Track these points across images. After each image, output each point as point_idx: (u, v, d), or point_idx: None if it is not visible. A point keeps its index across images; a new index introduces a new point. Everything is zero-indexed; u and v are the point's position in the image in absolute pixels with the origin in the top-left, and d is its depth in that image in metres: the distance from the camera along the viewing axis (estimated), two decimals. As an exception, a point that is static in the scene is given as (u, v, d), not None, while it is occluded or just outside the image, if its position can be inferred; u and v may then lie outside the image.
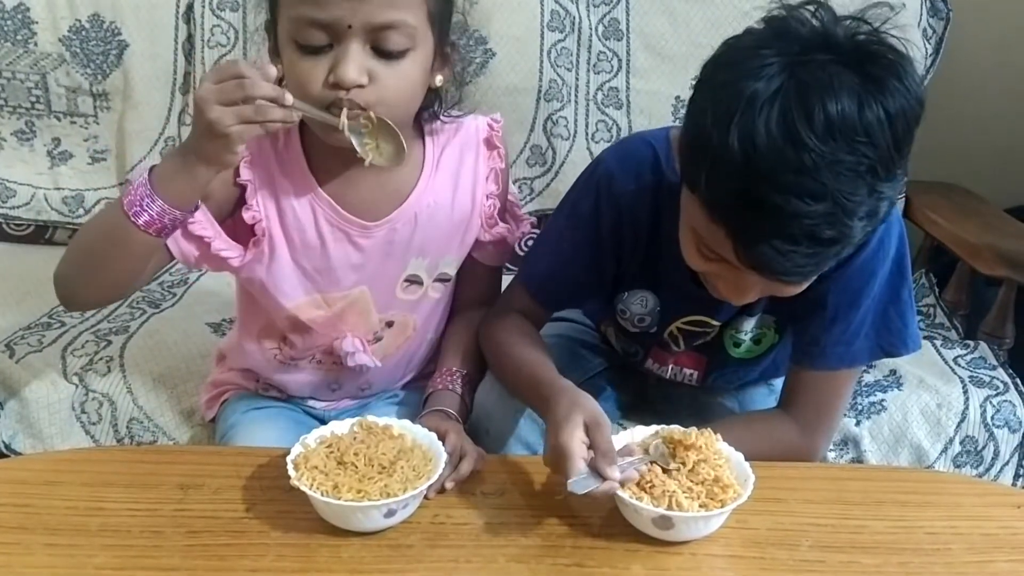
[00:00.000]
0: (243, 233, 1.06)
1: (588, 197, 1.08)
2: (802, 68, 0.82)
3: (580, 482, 0.86)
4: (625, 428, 0.99)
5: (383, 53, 0.95)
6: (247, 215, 1.04)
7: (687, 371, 1.18)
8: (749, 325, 1.11)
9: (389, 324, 1.15)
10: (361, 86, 0.94)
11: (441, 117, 1.09)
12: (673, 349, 1.16)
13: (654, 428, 0.96)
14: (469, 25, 1.08)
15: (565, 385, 0.97)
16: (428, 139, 1.10)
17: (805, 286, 0.94)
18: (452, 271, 1.15)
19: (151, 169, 0.94)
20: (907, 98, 0.83)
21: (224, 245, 1.03)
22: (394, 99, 0.97)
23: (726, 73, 0.85)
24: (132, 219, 0.93)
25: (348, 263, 1.08)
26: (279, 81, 0.93)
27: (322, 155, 1.05)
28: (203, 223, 1.00)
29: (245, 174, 1.04)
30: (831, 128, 0.80)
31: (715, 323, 1.11)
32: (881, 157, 0.82)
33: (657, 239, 1.04)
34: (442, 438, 0.96)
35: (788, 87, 0.81)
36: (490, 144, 1.13)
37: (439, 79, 1.03)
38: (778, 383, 1.17)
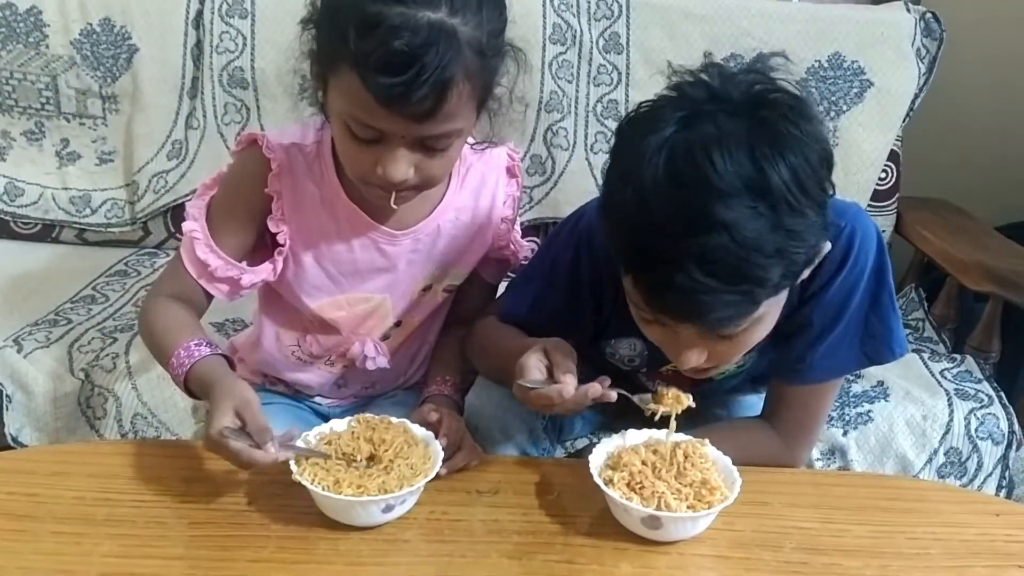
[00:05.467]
0: (274, 239, 1.10)
1: (568, 250, 1.10)
2: (694, 120, 0.85)
3: (530, 380, 0.93)
4: (616, 432, 1.01)
5: (431, 150, 0.96)
6: (272, 225, 1.08)
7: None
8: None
9: (397, 324, 1.19)
10: (407, 180, 0.97)
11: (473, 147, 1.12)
12: (662, 374, 1.18)
13: (647, 433, 0.99)
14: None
15: (532, 340, 1.01)
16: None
17: (749, 343, 0.94)
18: (458, 283, 1.20)
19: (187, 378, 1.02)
20: (804, 140, 0.84)
21: (253, 276, 1.09)
22: (438, 178, 1.02)
23: (627, 132, 0.90)
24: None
25: (374, 267, 1.12)
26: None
27: None
28: (224, 267, 1.07)
29: (273, 185, 1.07)
30: (716, 170, 0.82)
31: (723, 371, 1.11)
32: (778, 195, 0.82)
33: None
34: (438, 424, 0.99)
35: (676, 138, 0.84)
36: (511, 172, 1.19)
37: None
38: (765, 387, 1.20)
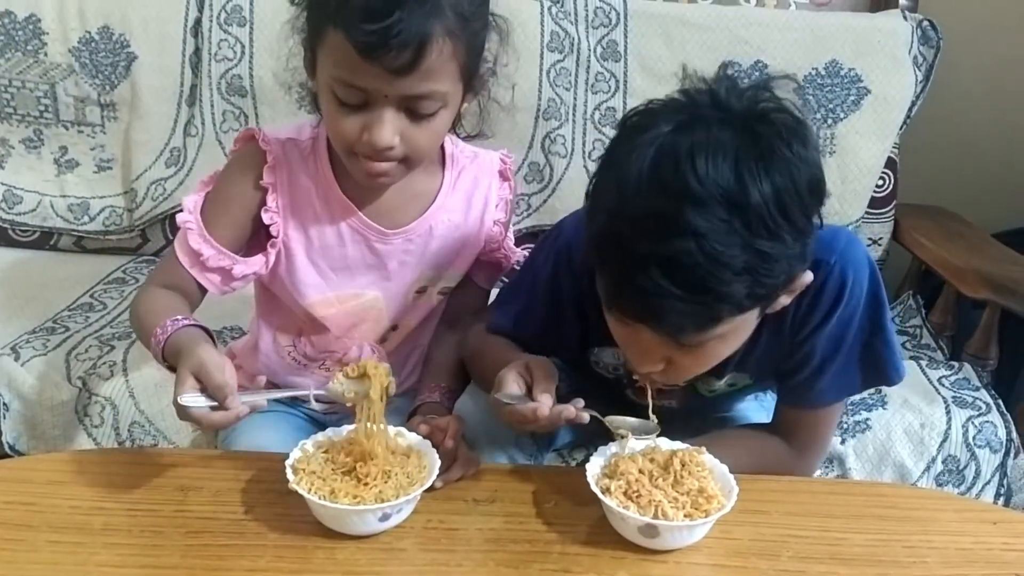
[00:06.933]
0: (268, 232, 1.11)
1: (547, 267, 1.10)
2: (689, 124, 0.85)
3: (506, 395, 0.94)
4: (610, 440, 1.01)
5: (416, 116, 0.98)
6: (265, 216, 1.09)
7: (665, 402, 1.18)
8: (719, 384, 1.11)
9: (394, 328, 1.20)
10: (393, 147, 0.98)
11: (459, 138, 1.13)
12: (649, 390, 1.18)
13: (644, 441, 0.99)
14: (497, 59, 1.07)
15: (519, 355, 1.02)
16: (448, 160, 1.15)
17: (712, 358, 0.94)
18: (453, 285, 1.21)
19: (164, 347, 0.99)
20: (795, 165, 0.84)
21: (245, 268, 1.09)
22: (424, 150, 1.03)
23: (628, 125, 0.90)
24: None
25: (364, 263, 1.14)
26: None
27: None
28: (216, 256, 1.07)
29: (268, 177, 1.09)
30: (698, 178, 0.81)
31: (681, 383, 1.10)
32: (756, 213, 0.82)
33: None
34: (432, 435, 0.99)
35: (667, 138, 0.84)
36: (504, 176, 1.20)
37: (464, 106, 1.07)
38: (767, 400, 1.20)
